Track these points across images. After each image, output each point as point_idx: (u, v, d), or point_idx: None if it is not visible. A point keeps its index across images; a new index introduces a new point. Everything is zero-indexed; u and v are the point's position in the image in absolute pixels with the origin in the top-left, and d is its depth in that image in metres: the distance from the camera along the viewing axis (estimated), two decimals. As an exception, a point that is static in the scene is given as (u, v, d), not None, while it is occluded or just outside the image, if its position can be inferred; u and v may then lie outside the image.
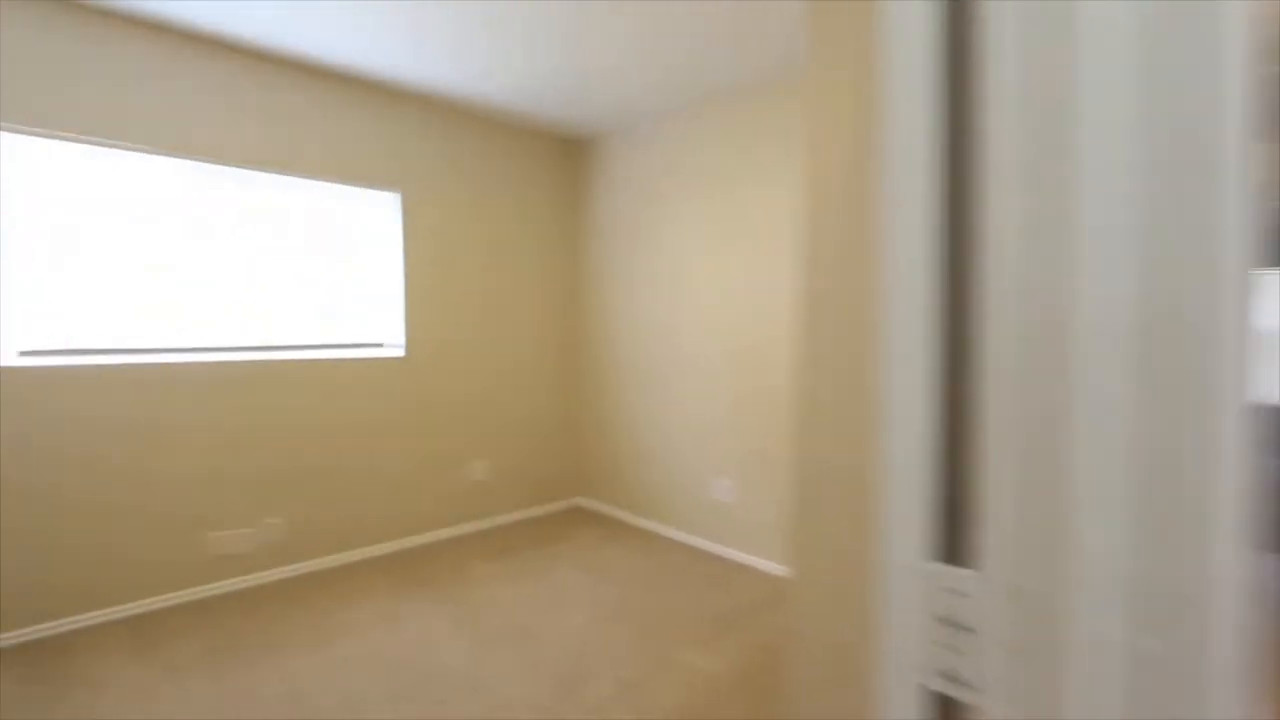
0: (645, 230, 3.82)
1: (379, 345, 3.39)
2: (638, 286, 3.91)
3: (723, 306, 3.45)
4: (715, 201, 3.44)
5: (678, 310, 3.69)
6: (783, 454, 3.22)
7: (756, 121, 3.24)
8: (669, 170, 3.69)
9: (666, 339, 3.76)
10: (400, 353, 3.45)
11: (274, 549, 3.06)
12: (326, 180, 3.14)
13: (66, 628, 2.55)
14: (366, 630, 2.61)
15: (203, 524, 2.86)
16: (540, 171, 4.02)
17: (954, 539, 0.52)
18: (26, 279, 2.42)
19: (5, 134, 2.36)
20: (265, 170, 2.95)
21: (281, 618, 2.70)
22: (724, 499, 3.49)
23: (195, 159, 2.76)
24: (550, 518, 4.11)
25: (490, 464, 3.89)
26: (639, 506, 3.98)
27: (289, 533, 3.11)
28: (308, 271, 3.12)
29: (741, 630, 2.69)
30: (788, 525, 2.98)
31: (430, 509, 3.63)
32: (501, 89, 3.24)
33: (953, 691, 0.51)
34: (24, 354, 2.42)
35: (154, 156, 2.67)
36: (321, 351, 3.18)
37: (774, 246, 3.20)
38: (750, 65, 2.93)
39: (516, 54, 2.83)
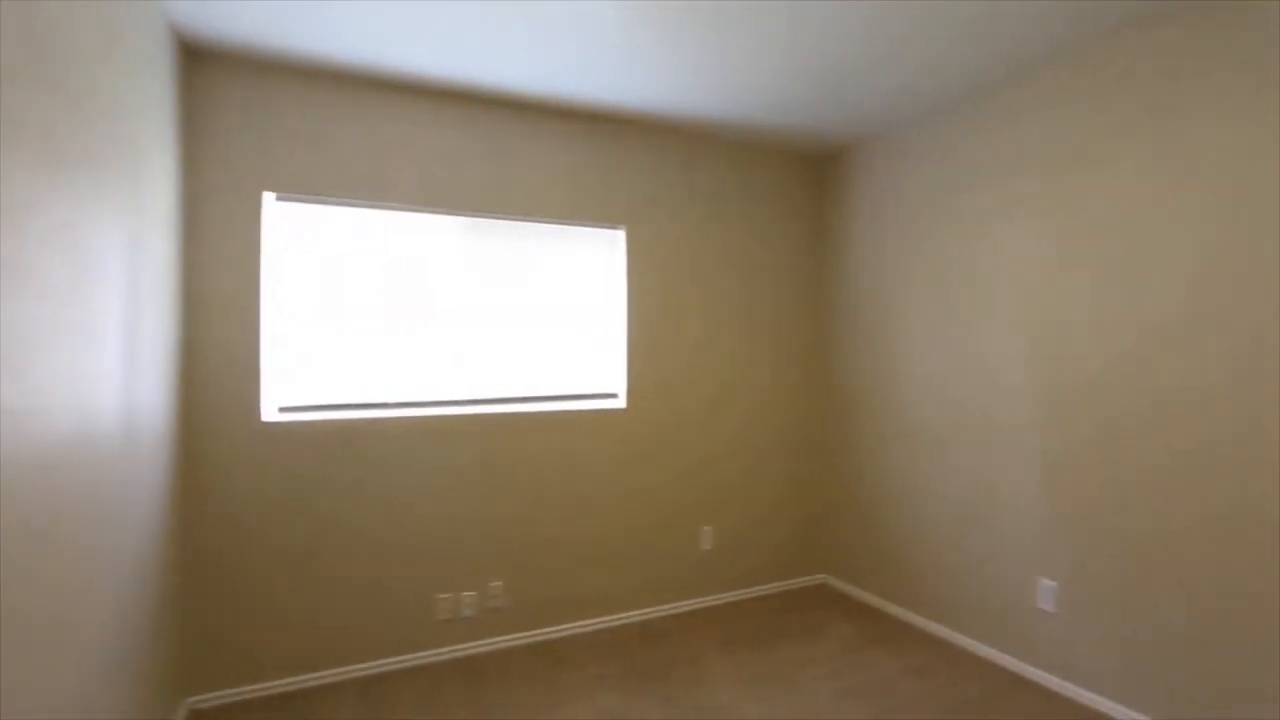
0: (928, 254, 3.06)
1: (601, 396, 3.09)
2: (913, 327, 3.15)
3: (1056, 346, 2.55)
4: (1051, 204, 2.59)
5: (976, 354, 2.85)
6: (1143, 557, 2.21)
7: (1121, 86, 2.39)
8: (967, 174, 2.92)
9: (958, 390, 2.93)
10: (620, 404, 3.12)
11: (495, 616, 2.84)
12: (550, 221, 2.96)
13: (309, 684, 2.52)
14: (587, 738, 2.19)
15: (432, 585, 2.73)
16: (780, 194, 3.50)
17: None
18: (286, 338, 2.51)
19: (275, 203, 2.49)
20: (490, 215, 2.84)
21: (504, 701, 2.41)
22: (1045, 607, 2.52)
23: (429, 210, 2.73)
24: (790, 597, 3.43)
25: (719, 531, 3.36)
26: (906, 596, 3.13)
27: (510, 599, 2.87)
28: (531, 319, 2.94)
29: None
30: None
31: (652, 582, 3.19)
32: (733, 103, 2.81)
33: None
34: (282, 410, 2.49)
35: (394, 212, 2.68)
36: (540, 404, 2.95)
37: (1162, 259, 2.27)
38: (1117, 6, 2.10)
39: (752, 61, 2.37)
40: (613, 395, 3.11)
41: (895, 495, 3.19)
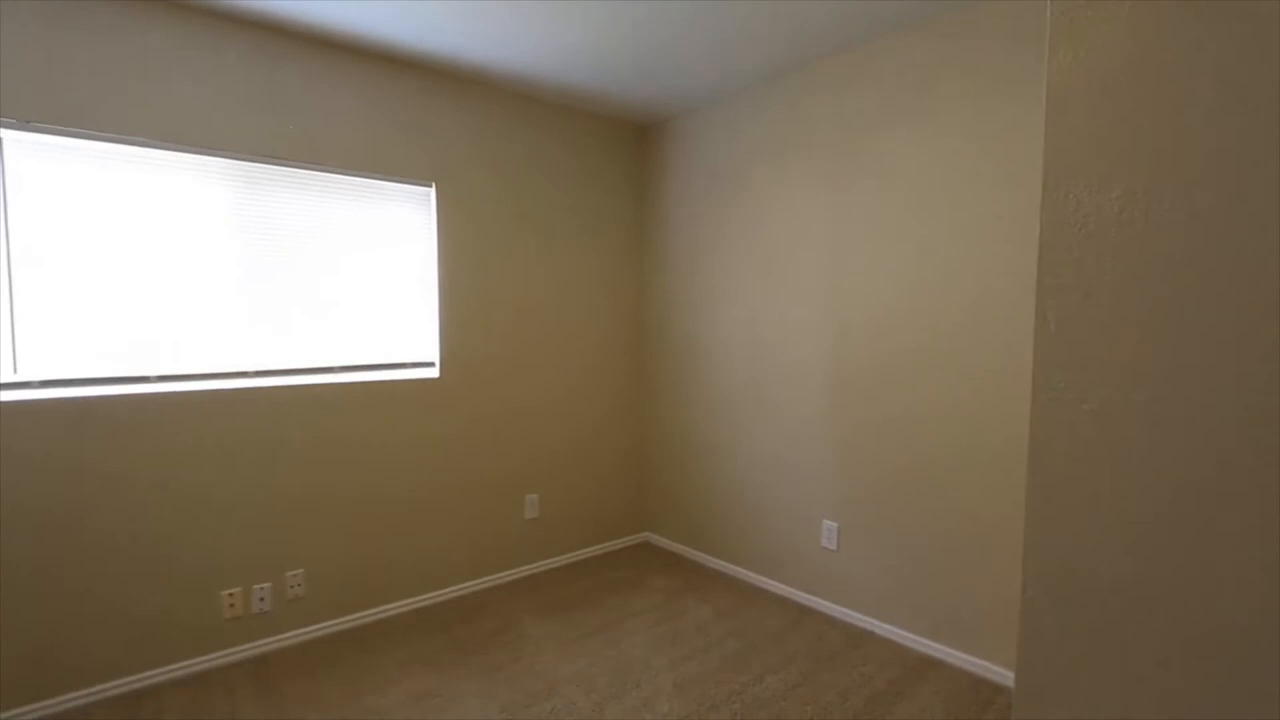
0: (734, 225, 3.20)
1: (411, 365, 2.90)
2: (722, 293, 3.30)
3: (835, 315, 2.80)
4: (830, 185, 2.80)
5: (773, 321, 3.06)
6: (898, 497, 2.56)
7: (897, 75, 2.61)
8: (765, 151, 3.07)
9: (759, 354, 3.14)
10: (434, 373, 2.95)
11: (296, 607, 2.60)
12: (351, 174, 2.68)
13: (52, 709, 2.13)
14: (396, 723, 2.09)
15: (214, 580, 2.42)
16: (601, 160, 3.48)
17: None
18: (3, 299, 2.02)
19: (-35, 125, 1.97)
20: (282, 164, 2.50)
21: (302, 698, 2.22)
22: (828, 545, 2.84)
23: (202, 152, 2.33)
24: (614, 558, 3.54)
25: (544, 498, 3.36)
26: (719, 547, 3.36)
27: (313, 587, 2.64)
28: (329, 281, 2.66)
29: (873, 732, 2.04)
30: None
31: (475, 554, 3.12)
32: (554, 64, 2.70)
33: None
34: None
35: (157, 151, 2.25)
36: (344, 375, 2.71)
37: (913, 237, 2.55)
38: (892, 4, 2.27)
39: (570, 23, 2.28)
40: (427, 364, 2.94)
41: (707, 454, 3.40)
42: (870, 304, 2.63)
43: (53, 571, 2.13)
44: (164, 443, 2.30)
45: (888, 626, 2.64)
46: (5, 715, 2.07)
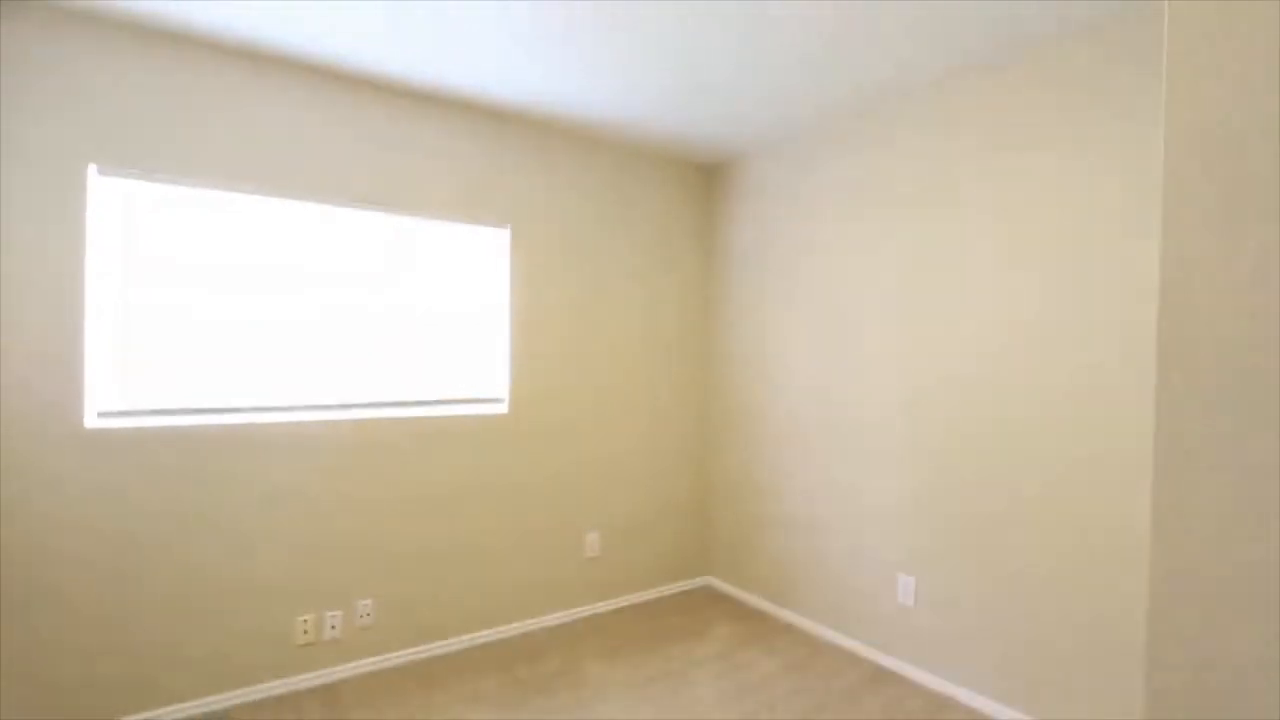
0: (804, 268, 3.16)
1: (483, 400, 2.96)
2: (792, 336, 3.24)
3: (910, 364, 2.71)
4: (904, 229, 2.73)
5: (845, 367, 2.98)
6: (980, 549, 2.39)
7: (962, 122, 2.55)
8: (836, 192, 3.04)
9: (828, 399, 3.05)
10: (503, 409, 3.01)
11: (364, 636, 2.65)
12: (431, 218, 2.81)
13: (137, 726, 2.23)
14: (457, 763, 2.07)
15: (290, 606, 2.50)
16: (671, 201, 3.52)
17: None
18: (112, 330, 2.21)
19: (100, 178, 2.18)
20: (366, 208, 2.65)
21: (363, 731, 2.24)
22: (905, 602, 2.67)
23: (293, 198, 2.51)
24: (675, 601, 3.45)
25: (605, 538, 3.33)
26: (785, 595, 3.23)
27: (381, 617, 2.69)
28: (408, 320, 2.77)
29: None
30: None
31: (537, 591, 3.11)
32: (621, 105, 2.78)
33: None
34: (104, 415, 2.18)
35: (251, 196, 2.44)
36: (417, 409, 2.79)
37: (992, 284, 2.45)
38: (956, 48, 2.24)
39: (645, 68, 2.35)
40: (496, 400, 3.00)
41: (773, 499, 3.29)
42: (953, 360, 2.52)
43: (147, 592, 2.25)
44: (245, 469, 2.42)
45: (973, 694, 2.44)
46: (98, 727, 2.18)
